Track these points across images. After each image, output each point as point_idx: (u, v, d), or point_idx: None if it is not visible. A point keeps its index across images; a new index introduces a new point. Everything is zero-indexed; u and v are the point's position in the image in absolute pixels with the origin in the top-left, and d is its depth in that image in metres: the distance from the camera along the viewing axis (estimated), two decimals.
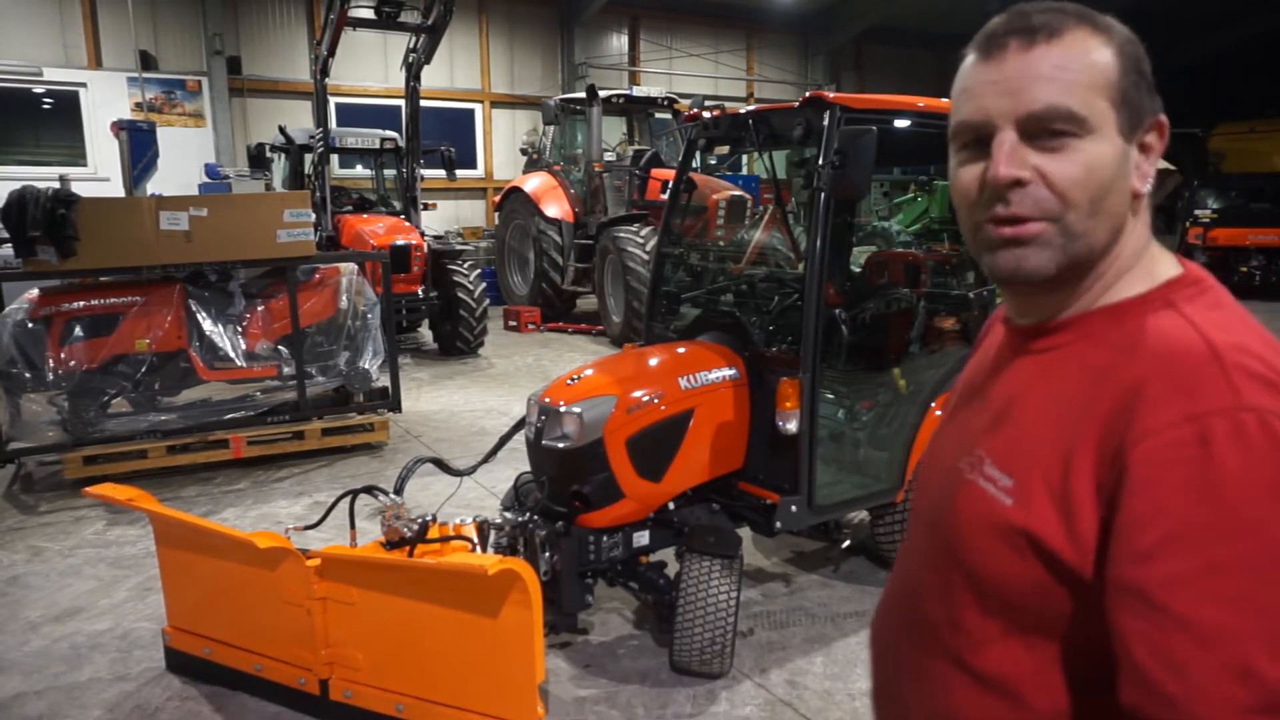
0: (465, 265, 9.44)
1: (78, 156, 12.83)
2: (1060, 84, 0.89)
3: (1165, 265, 0.96)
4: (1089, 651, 0.86)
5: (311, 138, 9.39)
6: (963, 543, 0.96)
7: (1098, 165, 0.90)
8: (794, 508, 3.43)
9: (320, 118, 9.11)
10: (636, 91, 12.39)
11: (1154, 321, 0.89)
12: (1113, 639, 0.80)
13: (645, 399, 3.31)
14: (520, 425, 3.60)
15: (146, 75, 12.84)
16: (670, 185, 4.26)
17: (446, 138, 11.78)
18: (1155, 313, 0.90)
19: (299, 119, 12.90)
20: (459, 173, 11.41)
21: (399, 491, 3.47)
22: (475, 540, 3.34)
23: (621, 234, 9.61)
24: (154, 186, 10.26)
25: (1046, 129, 0.89)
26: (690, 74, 17.82)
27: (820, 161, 3.29)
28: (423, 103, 9.45)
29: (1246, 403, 0.78)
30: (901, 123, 3.63)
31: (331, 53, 8.67)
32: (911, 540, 1.12)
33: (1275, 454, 0.76)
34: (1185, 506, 0.76)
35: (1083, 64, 0.90)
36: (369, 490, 3.51)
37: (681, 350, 3.68)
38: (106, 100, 12.63)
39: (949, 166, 1.01)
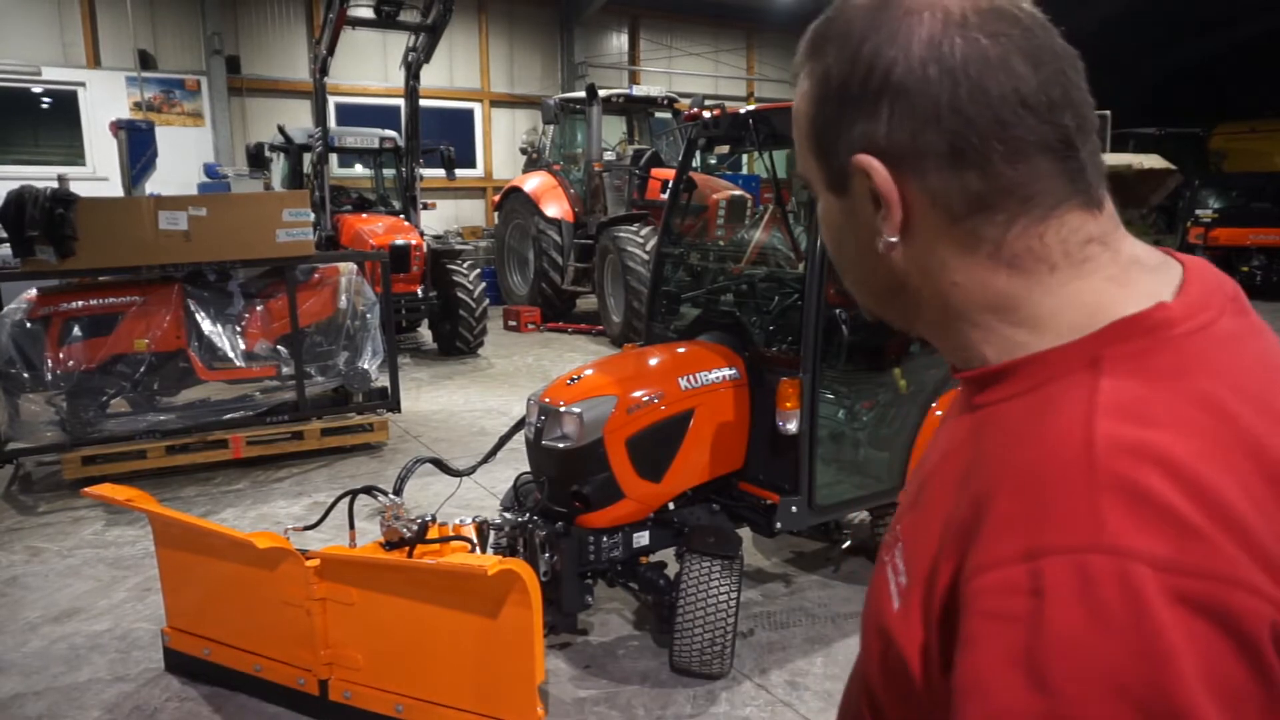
0: (465, 265, 9.44)
1: (76, 156, 12.82)
2: (795, 137, 0.79)
3: (1122, 297, 0.68)
4: None
5: (311, 137, 9.39)
6: (867, 645, 0.78)
7: (824, 225, 0.80)
8: (794, 508, 3.43)
9: (319, 117, 9.11)
10: (636, 91, 12.38)
11: (1062, 392, 0.65)
12: None
13: (645, 399, 3.31)
14: (520, 425, 3.60)
15: (145, 75, 12.83)
16: (670, 185, 4.25)
17: (446, 137, 11.77)
18: (1070, 376, 0.65)
19: (298, 118, 12.90)
20: (458, 172, 11.41)
21: (398, 492, 3.47)
22: (475, 541, 3.34)
23: (621, 234, 9.60)
24: (153, 186, 10.25)
25: None
26: (690, 73, 17.82)
27: None
28: (422, 102, 9.45)
29: (1106, 542, 0.55)
30: None
31: (331, 52, 8.67)
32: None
33: (1126, 623, 0.53)
34: (1003, 688, 0.55)
35: (795, 114, 0.78)
36: (368, 490, 3.50)
37: (681, 350, 3.68)
38: (105, 100, 12.62)
39: None
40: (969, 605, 0.59)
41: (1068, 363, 0.66)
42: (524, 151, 13.91)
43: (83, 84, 12.69)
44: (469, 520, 3.48)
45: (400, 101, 9.59)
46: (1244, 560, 0.54)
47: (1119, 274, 0.69)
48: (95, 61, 12.68)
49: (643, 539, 3.39)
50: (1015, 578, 0.57)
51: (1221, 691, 0.52)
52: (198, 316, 5.74)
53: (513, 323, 11.30)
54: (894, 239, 0.71)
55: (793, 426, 3.33)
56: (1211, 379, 0.62)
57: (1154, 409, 0.60)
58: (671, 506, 3.47)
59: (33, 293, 5.51)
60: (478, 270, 9.67)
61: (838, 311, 3.59)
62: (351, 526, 3.47)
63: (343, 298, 6.28)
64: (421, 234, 9.28)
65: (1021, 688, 0.55)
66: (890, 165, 0.69)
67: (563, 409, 3.23)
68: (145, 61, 12.86)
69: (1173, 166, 12.07)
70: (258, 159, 10.12)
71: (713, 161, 10.80)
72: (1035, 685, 0.54)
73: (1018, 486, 0.61)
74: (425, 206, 10.22)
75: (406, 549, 3.22)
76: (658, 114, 12.22)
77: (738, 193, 9.61)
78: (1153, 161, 11.91)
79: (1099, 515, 0.56)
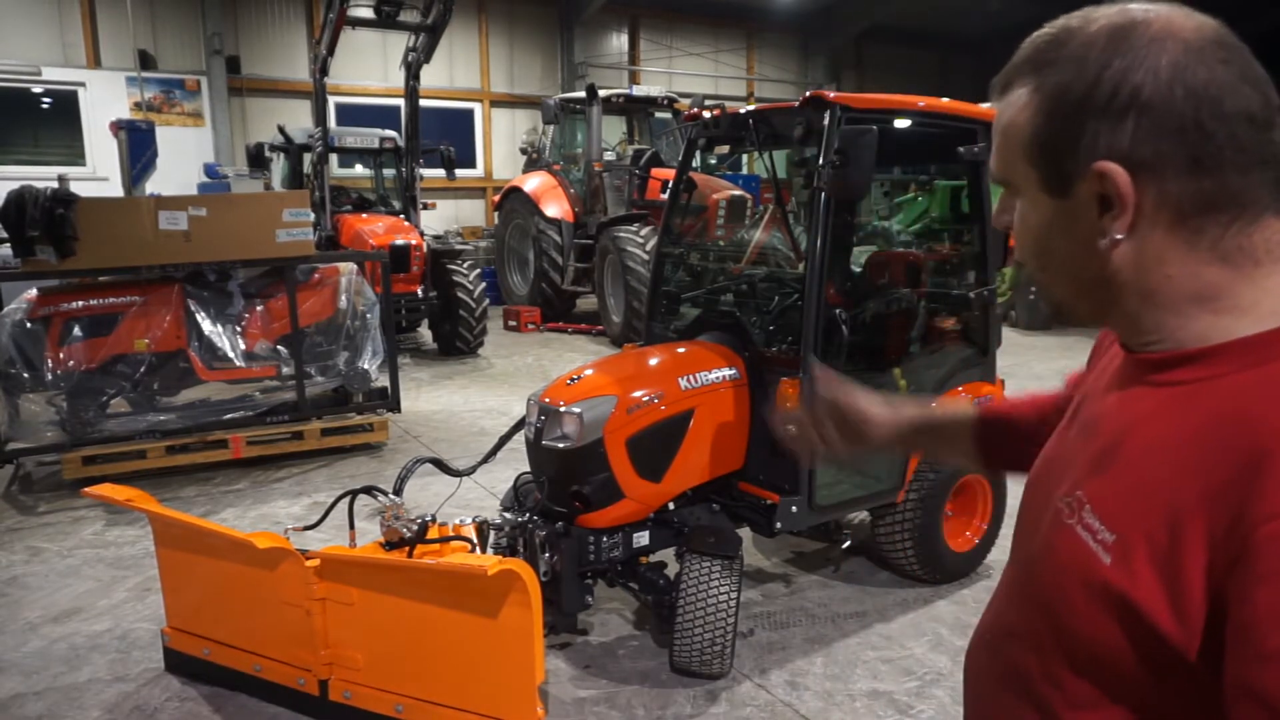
0: (465, 265, 9.43)
1: (76, 156, 12.82)
2: (997, 147, 0.89)
3: None
4: None
5: (311, 137, 9.38)
6: (1057, 595, 0.87)
7: (1026, 225, 0.90)
8: (794, 508, 3.43)
9: (319, 117, 9.11)
10: (636, 91, 12.38)
11: None
12: None
13: (645, 399, 3.31)
14: (520, 425, 3.60)
15: (145, 75, 12.83)
16: (670, 185, 4.25)
17: (446, 137, 11.77)
18: None
19: (298, 118, 12.90)
20: (458, 172, 11.40)
21: (398, 492, 3.47)
22: (475, 541, 3.34)
23: (621, 234, 9.60)
24: (153, 186, 10.26)
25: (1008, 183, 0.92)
26: (690, 73, 17.82)
27: (821, 161, 3.28)
28: (422, 102, 9.44)
29: None
30: (902, 122, 3.62)
31: (331, 52, 8.66)
32: (1009, 572, 1.03)
33: None
34: None
35: (1008, 123, 0.88)
36: (368, 490, 3.50)
37: (681, 350, 3.68)
38: (105, 100, 12.62)
39: None
40: (1263, 547, 0.68)
41: None
42: (524, 151, 13.91)
43: (83, 84, 12.69)
44: (469, 520, 3.48)
45: (400, 101, 9.58)
46: None
47: None
48: (95, 61, 12.68)
49: (643, 539, 3.40)
50: None
51: None
52: (198, 316, 5.74)
53: (513, 323, 11.30)
54: (1120, 236, 0.82)
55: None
56: None
57: None
58: (671, 506, 3.47)
59: (33, 293, 5.51)
60: (478, 270, 9.67)
61: (838, 311, 3.60)
62: (351, 526, 3.47)
63: (343, 298, 6.28)
64: (421, 234, 9.27)
65: None
66: (1130, 171, 0.79)
67: (563, 409, 3.24)
68: (145, 61, 12.86)
69: None
70: (258, 159, 10.11)
71: (713, 161, 10.79)
72: None
73: None
74: (425, 206, 10.22)
75: (406, 549, 3.22)
76: (658, 114, 12.21)
77: (738, 193, 9.60)
78: None
79: None
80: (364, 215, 9.66)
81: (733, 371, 3.52)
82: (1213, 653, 0.73)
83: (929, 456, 1.97)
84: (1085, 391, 1.03)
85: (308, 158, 9.74)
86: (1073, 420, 1.01)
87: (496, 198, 12.45)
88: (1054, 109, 0.83)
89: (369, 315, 6.30)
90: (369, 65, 14.51)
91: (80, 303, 5.50)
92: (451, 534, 3.37)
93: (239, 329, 5.90)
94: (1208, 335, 0.82)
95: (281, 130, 9.88)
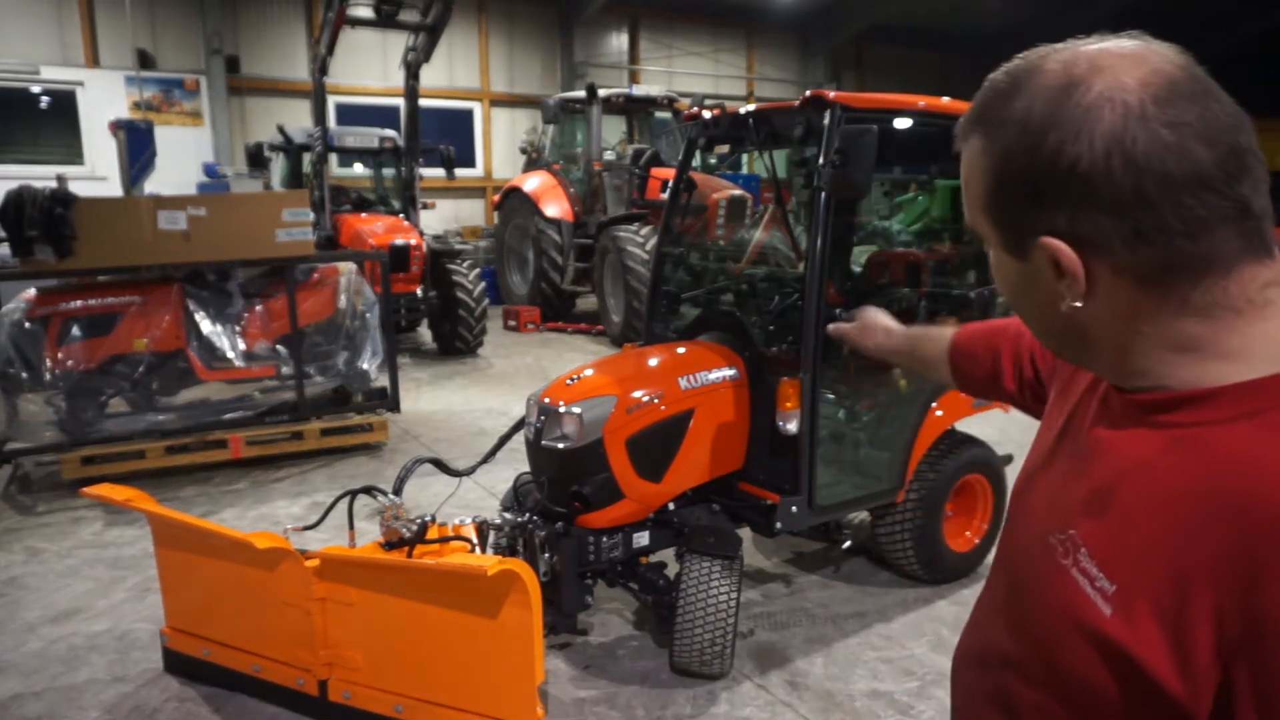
0: (464, 265, 9.43)
1: (75, 156, 12.80)
2: (964, 194, 0.88)
3: None
4: None
5: (310, 137, 9.38)
6: (1050, 634, 0.85)
7: (999, 279, 0.89)
8: (794, 508, 3.42)
9: (319, 117, 9.10)
10: (636, 91, 12.36)
11: None
12: None
13: (645, 399, 3.30)
14: (520, 425, 3.59)
15: (144, 74, 12.82)
16: (670, 185, 4.25)
17: (446, 137, 11.76)
18: None
19: (298, 118, 12.89)
20: (458, 172, 11.39)
21: (398, 492, 3.47)
22: (474, 541, 3.34)
23: (621, 233, 9.60)
24: (152, 186, 10.25)
25: None
26: (690, 73, 17.81)
27: (821, 161, 3.28)
28: (422, 102, 9.44)
29: None
30: (902, 122, 3.62)
31: (330, 51, 8.66)
32: (993, 593, 1.02)
33: None
34: None
35: (967, 178, 0.86)
36: (368, 491, 3.50)
37: (681, 350, 3.68)
38: (104, 99, 12.60)
39: None
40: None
41: None
42: (524, 151, 13.89)
43: (82, 83, 12.67)
44: (469, 520, 3.48)
45: (400, 101, 9.58)
46: None
47: None
48: (94, 61, 12.66)
49: (643, 539, 3.39)
50: None
51: None
52: (197, 316, 5.73)
53: (512, 323, 11.29)
54: (1078, 304, 0.80)
55: (793, 427, 3.33)
56: None
57: None
58: (671, 507, 3.46)
59: (32, 292, 5.50)
60: (477, 270, 9.66)
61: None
62: (351, 526, 3.46)
63: (342, 298, 6.27)
64: (421, 234, 9.27)
65: None
66: (1074, 246, 0.77)
67: (562, 409, 3.23)
68: (144, 61, 12.85)
69: None
70: (257, 159, 10.10)
71: (713, 161, 10.77)
72: None
73: None
74: (425, 206, 10.21)
75: (406, 549, 3.22)
76: (658, 114, 12.20)
77: (738, 193, 9.60)
78: None
79: None
80: (363, 215, 9.65)
81: (733, 371, 3.52)
82: (1221, 715, 0.70)
83: (923, 374, 2.18)
84: (1068, 410, 0.99)
85: (307, 157, 9.74)
86: (1060, 441, 0.97)
87: (496, 197, 12.44)
88: (1001, 175, 0.81)
89: (368, 315, 6.29)
90: (369, 65, 14.50)
91: (79, 303, 5.49)
92: (451, 534, 3.36)
93: (238, 329, 5.89)
94: (1199, 380, 0.78)
95: (281, 130, 9.87)
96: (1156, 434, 0.81)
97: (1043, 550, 0.88)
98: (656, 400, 3.32)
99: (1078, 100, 0.74)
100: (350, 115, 13.91)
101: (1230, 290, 0.76)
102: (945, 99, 3.75)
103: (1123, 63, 0.75)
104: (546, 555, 3.18)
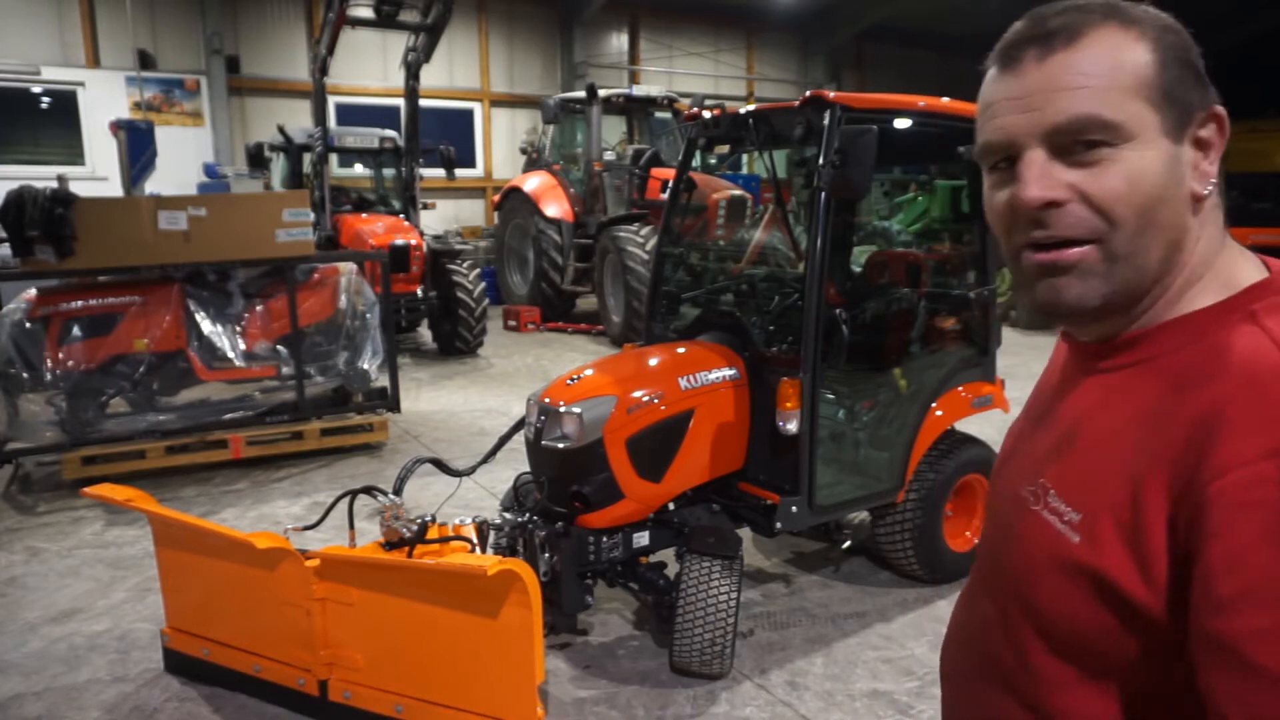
0: (464, 265, 9.43)
1: (76, 156, 12.81)
2: (1086, 92, 0.82)
3: (1246, 269, 0.87)
4: (1168, 700, 0.80)
5: (310, 137, 9.38)
6: (1028, 580, 0.89)
7: (1142, 175, 0.82)
8: (794, 508, 3.42)
9: (319, 117, 9.11)
10: (636, 91, 12.36)
11: (1233, 338, 0.80)
12: (1202, 694, 0.73)
13: (645, 399, 3.30)
14: (520, 425, 3.59)
15: (145, 74, 12.82)
16: (670, 185, 4.25)
17: (446, 137, 11.77)
18: (1234, 327, 0.81)
19: (298, 118, 12.89)
20: (458, 172, 11.39)
21: (398, 492, 3.46)
22: (475, 541, 3.34)
23: (621, 234, 9.60)
24: (152, 186, 10.25)
25: (1078, 141, 0.83)
26: (690, 73, 17.81)
27: (821, 161, 3.28)
28: (422, 102, 9.44)
29: None
30: (902, 122, 3.62)
31: (330, 52, 8.66)
32: (977, 570, 1.06)
33: None
34: (1263, 561, 0.69)
35: (1109, 65, 0.82)
36: (368, 491, 3.50)
37: (681, 350, 3.68)
38: (105, 99, 12.61)
39: (983, 189, 0.93)
40: (1215, 502, 0.72)
41: (1230, 316, 0.82)
42: (524, 151, 13.89)
43: (82, 84, 12.68)
44: (469, 520, 3.48)
45: (400, 101, 9.58)
46: None
47: (1238, 253, 0.89)
48: (95, 61, 12.67)
49: (643, 539, 3.39)
50: (1264, 471, 0.70)
51: None
52: (197, 316, 5.73)
53: (512, 323, 11.29)
54: (1214, 183, 0.85)
55: (793, 427, 3.33)
56: None
57: None
58: (671, 507, 3.47)
59: (32, 292, 5.50)
60: (478, 270, 9.66)
61: (838, 311, 3.59)
62: (351, 526, 3.46)
63: (342, 298, 6.27)
64: (421, 234, 9.27)
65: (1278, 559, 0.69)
66: None
67: (563, 409, 3.23)
68: (145, 61, 12.86)
69: None
70: (257, 159, 10.11)
71: (713, 161, 10.77)
72: None
73: (1246, 403, 0.74)
74: (425, 206, 10.21)
75: (406, 549, 3.22)
76: (658, 114, 12.20)
77: (738, 193, 9.61)
78: None
79: None
80: (364, 215, 9.66)
81: (733, 371, 3.52)
82: (1180, 613, 0.75)
83: None
84: (1037, 392, 1.07)
85: (307, 158, 9.73)
86: (1026, 419, 1.06)
87: (496, 198, 12.44)
88: (1171, 52, 0.84)
89: (369, 315, 6.30)
90: (369, 65, 14.51)
91: (80, 303, 5.49)
92: (451, 534, 3.36)
93: (239, 329, 5.89)
94: (1159, 315, 0.87)
95: (281, 130, 9.87)
96: (1108, 378, 0.89)
97: (1016, 505, 0.94)
98: (657, 400, 3.32)
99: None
100: (350, 115, 13.92)
101: (1221, 221, 0.90)
102: (945, 99, 3.75)
103: None
104: (546, 555, 3.19)
